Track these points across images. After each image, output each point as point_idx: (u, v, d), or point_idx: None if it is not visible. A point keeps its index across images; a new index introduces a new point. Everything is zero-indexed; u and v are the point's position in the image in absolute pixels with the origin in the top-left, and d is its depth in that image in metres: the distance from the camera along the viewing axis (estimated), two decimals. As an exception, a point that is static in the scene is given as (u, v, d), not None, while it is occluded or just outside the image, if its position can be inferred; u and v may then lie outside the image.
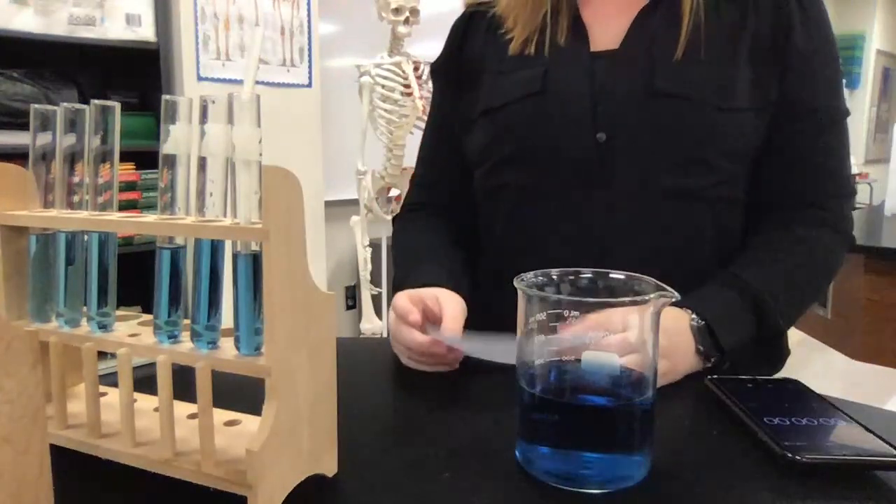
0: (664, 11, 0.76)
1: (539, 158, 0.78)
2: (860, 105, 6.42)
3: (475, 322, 0.68)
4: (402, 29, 2.22)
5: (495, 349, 0.61)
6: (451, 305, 0.67)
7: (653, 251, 0.74)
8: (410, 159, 2.13)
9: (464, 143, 0.88)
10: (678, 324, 0.65)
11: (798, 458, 0.46)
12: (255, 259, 0.42)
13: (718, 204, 0.76)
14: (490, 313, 0.69)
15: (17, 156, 1.76)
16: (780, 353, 0.78)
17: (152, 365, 0.43)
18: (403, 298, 0.69)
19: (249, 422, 0.49)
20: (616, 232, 0.75)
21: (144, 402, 0.51)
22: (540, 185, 0.78)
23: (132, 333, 0.46)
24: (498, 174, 0.83)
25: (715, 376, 0.62)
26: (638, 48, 0.76)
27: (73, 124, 0.47)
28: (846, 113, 0.78)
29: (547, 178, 0.77)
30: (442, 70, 0.92)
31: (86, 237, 0.47)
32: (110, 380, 0.48)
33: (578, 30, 0.80)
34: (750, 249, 0.76)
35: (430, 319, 0.67)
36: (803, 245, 0.76)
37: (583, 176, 0.75)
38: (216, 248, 0.43)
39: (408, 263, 0.83)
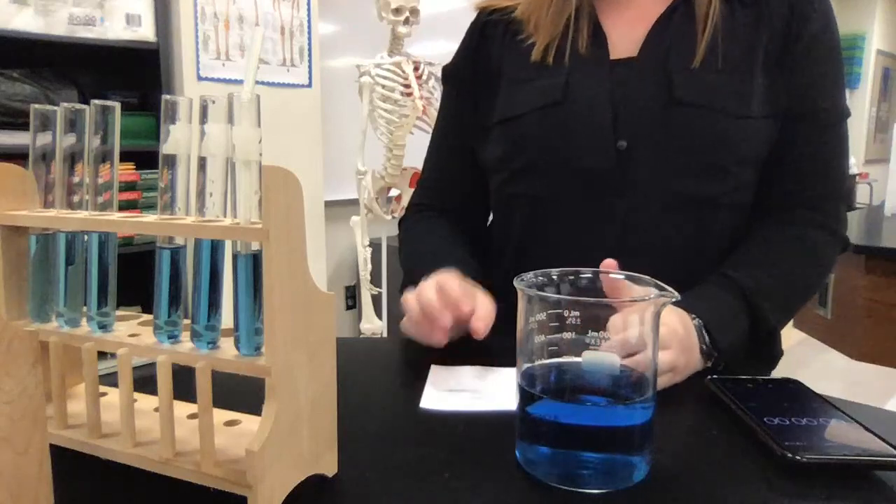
0: (681, 18, 0.76)
1: (558, 167, 0.78)
2: (860, 105, 6.42)
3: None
4: (402, 29, 2.22)
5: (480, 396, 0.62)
6: (484, 306, 0.67)
7: (670, 257, 0.75)
8: (410, 159, 2.15)
9: (479, 151, 0.87)
10: (685, 321, 0.65)
11: (798, 458, 0.46)
12: (255, 259, 0.42)
13: (733, 209, 0.77)
14: (503, 320, 0.70)
15: (17, 156, 1.76)
16: (774, 352, 0.78)
17: (152, 365, 0.43)
18: (455, 282, 0.68)
19: (249, 422, 0.49)
20: (634, 239, 0.75)
21: (144, 402, 0.51)
22: (558, 194, 0.78)
23: (132, 333, 0.46)
24: (515, 183, 0.83)
25: (715, 376, 0.62)
26: (656, 57, 0.76)
27: (73, 124, 0.47)
28: (846, 114, 0.78)
29: (565, 186, 0.78)
30: (455, 74, 0.91)
31: (86, 237, 0.47)
32: (110, 380, 0.48)
33: (598, 37, 0.79)
34: (743, 248, 0.77)
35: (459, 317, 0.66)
36: (796, 245, 0.76)
37: (602, 184, 0.76)
38: (216, 248, 0.43)
39: (424, 256, 0.83)
